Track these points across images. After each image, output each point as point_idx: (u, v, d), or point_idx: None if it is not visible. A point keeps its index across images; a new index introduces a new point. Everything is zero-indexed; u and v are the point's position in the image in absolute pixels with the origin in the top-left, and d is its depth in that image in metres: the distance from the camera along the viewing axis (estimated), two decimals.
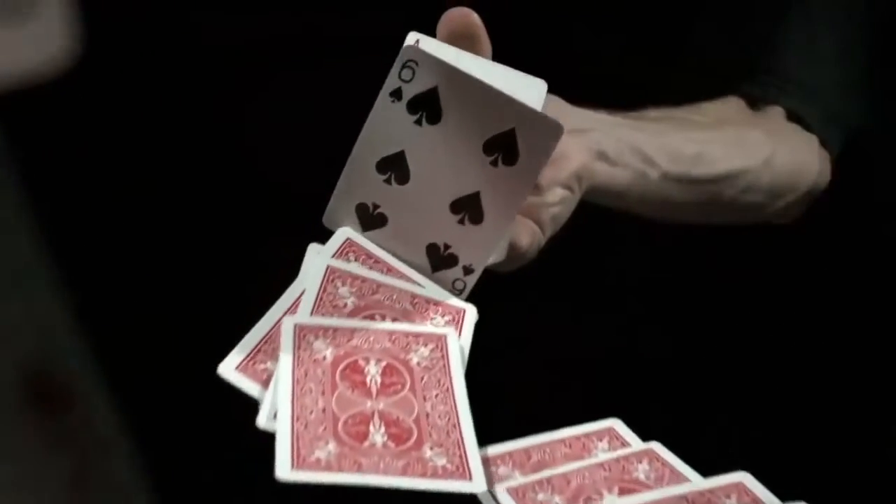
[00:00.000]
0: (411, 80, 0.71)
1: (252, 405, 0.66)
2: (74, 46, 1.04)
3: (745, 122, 0.97)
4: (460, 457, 0.65)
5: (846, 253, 1.04)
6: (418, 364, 0.69)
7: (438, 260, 0.75)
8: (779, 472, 0.71)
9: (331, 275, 0.72)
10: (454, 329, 0.72)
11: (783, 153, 0.95)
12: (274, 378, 0.66)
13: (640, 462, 0.68)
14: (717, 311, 1.13)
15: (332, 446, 0.63)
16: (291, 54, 1.21)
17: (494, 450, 0.69)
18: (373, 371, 0.68)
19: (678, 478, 0.67)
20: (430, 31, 0.76)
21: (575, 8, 1.19)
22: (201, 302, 1.22)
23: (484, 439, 0.69)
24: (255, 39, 1.22)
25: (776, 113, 0.98)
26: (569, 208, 0.82)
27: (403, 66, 0.71)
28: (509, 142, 0.71)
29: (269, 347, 0.68)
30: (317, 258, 0.74)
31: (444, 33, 0.76)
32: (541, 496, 0.65)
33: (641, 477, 0.68)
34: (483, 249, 0.74)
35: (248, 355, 0.68)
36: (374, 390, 0.67)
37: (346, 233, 0.75)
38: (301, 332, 0.68)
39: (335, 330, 0.69)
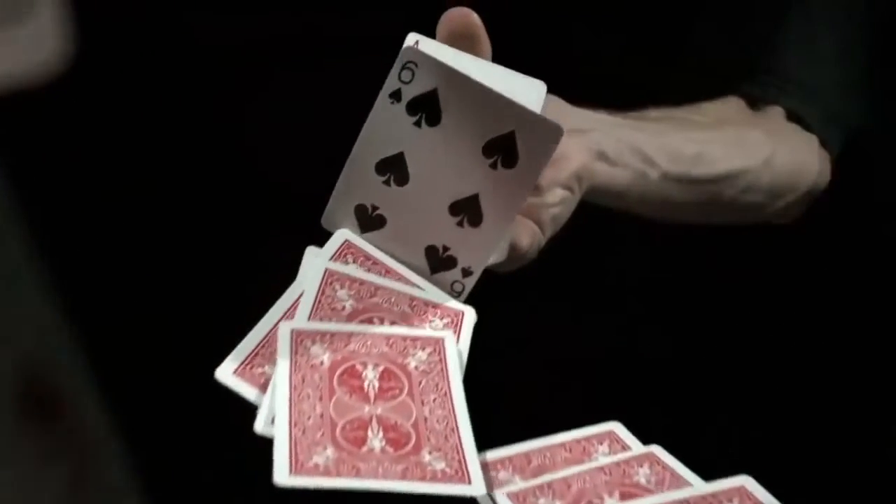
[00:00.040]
0: (411, 81, 0.70)
1: (250, 409, 0.65)
2: (69, 49, 1.03)
3: (745, 122, 0.97)
4: (459, 461, 0.64)
5: (846, 253, 1.04)
6: (416, 368, 0.68)
7: (437, 262, 0.74)
8: (779, 473, 0.71)
9: (329, 278, 0.72)
10: (452, 332, 0.72)
11: (783, 153, 0.95)
12: (271, 383, 0.66)
13: (641, 466, 0.68)
14: (717, 311, 1.12)
15: (330, 451, 0.62)
16: (291, 54, 1.21)
17: (494, 454, 0.68)
18: (370, 376, 0.67)
19: (679, 481, 0.67)
20: (430, 32, 0.75)
21: (575, 8, 1.18)
22: (200, 303, 1.22)
23: (484, 440, 0.68)
24: (255, 39, 1.22)
25: (776, 113, 0.98)
26: (569, 208, 0.81)
27: (403, 68, 0.70)
28: (509, 144, 0.71)
29: (266, 351, 0.68)
30: (315, 261, 0.73)
31: (444, 33, 0.75)
32: (542, 501, 0.65)
33: (642, 481, 0.67)
34: (482, 251, 0.74)
35: (245, 359, 0.67)
36: (371, 395, 0.66)
37: (344, 234, 0.75)
38: (298, 338, 0.68)
39: (332, 335, 0.68)
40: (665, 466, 0.68)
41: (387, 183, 0.73)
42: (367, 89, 0.72)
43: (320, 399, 0.65)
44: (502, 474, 0.67)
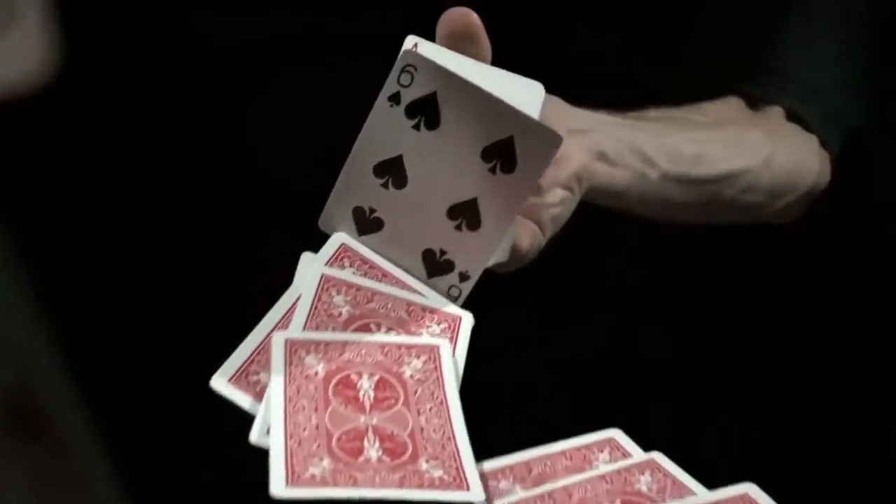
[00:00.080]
0: (410, 84, 0.70)
1: (246, 418, 0.65)
2: (56, 57, 1.03)
3: (744, 122, 0.96)
4: (457, 468, 0.63)
5: (846, 253, 1.04)
6: (411, 377, 0.67)
7: (434, 266, 0.74)
8: (779, 473, 0.71)
9: (325, 283, 0.71)
10: (449, 337, 0.71)
11: (783, 153, 0.95)
12: (266, 395, 0.65)
13: (643, 473, 0.67)
14: (717, 311, 1.12)
15: (326, 462, 0.62)
16: (291, 54, 1.21)
17: (495, 464, 0.67)
18: (366, 385, 0.66)
19: (681, 489, 0.66)
20: (430, 32, 0.75)
21: (575, 8, 1.18)
22: (198, 304, 1.21)
23: (484, 441, 0.67)
24: (255, 39, 1.22)
25: (776, 113, 0.98)
26: (569, 209, 0.81)
27: (402, 71, 0.70)
28: (508, 149, 0.70)
29: (261, 359, 0.67)
30: (311, 266, 0.72)
31: (444, 33, 0.75)
32: None
33: (644, 489, 0.66)
34: (480, 256, 0.73)
35: (240, 367, 0.66)
36: (367, 405, 0.65)
37: (340, 238, 0.74)
38: (292, 348, 0.67)
39: (326, 344, 0.67)
40: (666, 474, 0.67)
41: (385, 186, 0.72)
42: (366, 89, 0.72)
43: (315, 410, 0.64)
44: (503, 484, 0.66)
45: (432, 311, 0.72)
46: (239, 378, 0.66)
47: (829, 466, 1.05)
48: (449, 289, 0.74)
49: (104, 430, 1.11)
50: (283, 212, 1.04)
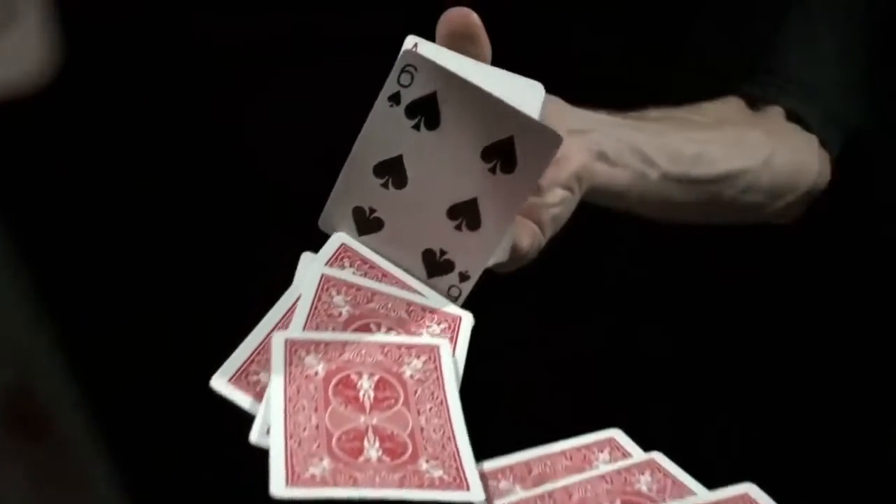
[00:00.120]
0: (410, 84, 0.70)
1: (246, 417, 0.64)
2: (56, 57, 1.02)
3: (744, 122, 0.96)
4: (457, 468, 0.63)
5: (846, 253, 1.03)
6: (411, 377, 0.67)
7: (434, 266, 0.73)
8: (779, 473, 0.70)
9: (325, 283, 0.71)
10: (448, 338, 0.71)
11: (783, 153, 0.94)
12: (266, 395, 0.65)
13: (643, 473, 0.67)
14: (717, 311, 1.12)
15: (326, 462, 0.61)
16: (291, 54, 1.21)
17: (495, 464, 0.67)
18: (366, 385, 0.66)
19: (681, 489, 0.66)
20: (430, 32, 0.75)
21: (575, 8, 1.18)
22: (198, 304, 1.21)
23: (484, 441, 0.67)
24: (255, 39, 1.21)
25: (776, 113, 0.97)
26: (569, 209, 0.81)
27: (402, 71, 0.69)
28: (508, 149, 0.70)
29: (261, 358, 0.67)
30: (311, 266, 0.72)
31: (444, 33, 0.74)
32: None
33: (644, 489, 0.66)
34: (480, 256, 0.73)
35: (240, 367, 0.66)
36: (367, 405, 0.65)
37: (340, 238, 0.74)
38: (292, 348, 0.66)
39: (326, 344, 0.67)
40: (666, 474, 0.67)
41: (385, 186, 0.72)
42: (366, 89, 0.71)
43: (315, 410, 0.64)
44: (503, 484, 0.66)
45: (432, 311, 0.72)
46: (239, 378, 0.66)
47: (829, 466, 1.05)
48: (449, 289, 0.73)
49: (104, 430, 1.11)
50: (283, 212, 1.04)
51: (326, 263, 0.72)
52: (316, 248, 0.74)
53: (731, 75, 1.00)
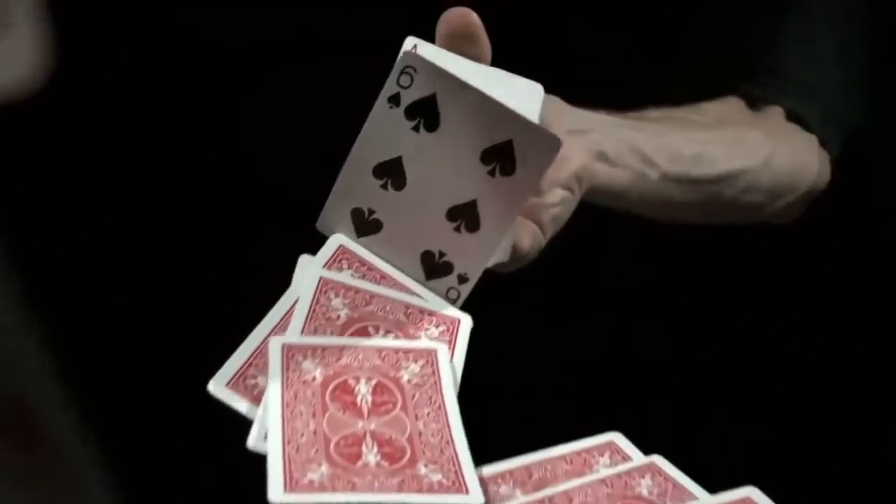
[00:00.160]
0: (410, 86, 0.69)
1: (243, 421, 0.64)
2: (49, 61, 1.02)
3: (744, 122, 0.96)
4: (456, 472, 0.63)
5: (846, 253, 1.03)
6: (409, 381, 0.67)
7: (433, 267, 0.73)
8: (779, 473, 0.70)
9: (324, 286, 0.70)
10: (447, 341, 0.70)
11: (783, 153, 0.94)
12: (263, 400, 0.64)
13: (643, 477, 0.66)
14: (717, 311, 1.11)
15: (324, 468, 0.61)
16: (291, 54, 1.20)
17: (495, 468, 0.67)
18: (363, 390, 0.65)
19: (681, 492, 0.65)
20: (430, 32, 0.74)
21: (575, 8, 1.17)
22: (197, 304, 1.21)
23: (483, 441, 0.67)
24: (255, 39, 1.21)
25: (776, 113, 0.97)
26: (569, 209, 0.80)
27: (402, 72, 0.69)
28: (507, 152, 0.69)
29: (259, 362, 0.66)
30: (309, 268, 0.72)
31: (444, 33, 0.74)
32: None
33: (644, 492, 0.66)
34: (479, 258, 0.73)
35: (238, 371, 0.66)
36: (365, 410, 0.65)
37: (338, 240, 0.73)
38: (289, 353, 0.66)
39: (324, 349, 0.67)
40: (667, 477, 0.66)
41: (384, 187, 0.72)
42: (366, 90, 0.71)
43: (313, 415, 0.63)
44: (503, 489, 0.65)
45: (431, 313, 0.72)
46: (237, 382, 0.65)
47: (830, 467, 1.04)
48: (447, 291, 0.73)
49: (99, 434, 1.10)
50: (283, 212, 1.04)
51: (325, 265, 0.72)
52: (315, 249, 0.73)
53: (731, 75, 1.00)
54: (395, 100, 0.70)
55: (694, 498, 0.65)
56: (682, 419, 1.10)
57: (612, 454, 0.68)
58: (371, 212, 0.73)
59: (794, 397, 1.08)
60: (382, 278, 0.73)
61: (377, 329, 0.70)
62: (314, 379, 0.65)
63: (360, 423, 0.64)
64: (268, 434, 0.62)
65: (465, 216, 0.71)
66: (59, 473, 1.03)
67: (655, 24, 1.17)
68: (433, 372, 0.67)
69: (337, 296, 0.70)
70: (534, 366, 1.16)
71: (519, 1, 1.17)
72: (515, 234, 0.75)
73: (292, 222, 0.78)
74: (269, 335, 0.68)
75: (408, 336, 0.70)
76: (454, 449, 0.64)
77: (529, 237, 0.77)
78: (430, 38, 0.75)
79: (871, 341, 1.04)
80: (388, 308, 0.71)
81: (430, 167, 0.71)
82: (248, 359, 0.66)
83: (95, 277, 1.21)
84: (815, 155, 0.96)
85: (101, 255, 1.21)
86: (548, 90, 0.75)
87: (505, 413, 1.04)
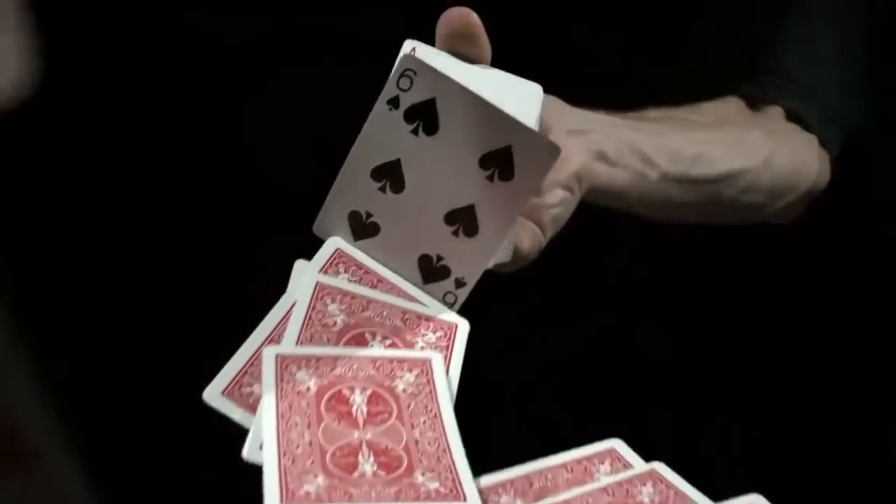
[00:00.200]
0: (409, 89, 0.69)
1: (240, 429, 0.63)
2: (36, 69, 1.01)
3: (744, 122, 0.96)
4: (453, 480, 0.62)
5: (846, 253, 1.03)
6: (404, 391, 0.66)
7: (430, 271, 0.72)
8: (779, 473, 0.70)
9: (320, 292, 0.70)
10: (444, 346, 0.70)
11: (783, 153, 0.94)
12: (258, 411, 0.63)
13: (644, 485, 0.65)
14: (718, 311, 1.11)
15: (321, 479, 0.60)
16: (291, 54, 1.20)
17: (496, 478, 0.65)
18: (358, 400, 0.65)
19: (683, 499, 0.65)
20: (430, 32, 0.74)
21: (575, 8, 1.17)
22: (197, 304, 1.21)
23: (484, 442, 0.66)
24: (256, 39, 1.21)
25: (776, 113, 0.97)
26: (569, 209, 0.80)
27: (402, 75, 0.68)
28: (506, 158, 0.69)
29: (255, 370, 0.65)
30: (305, 273, 0.71)
31: (444, 33, 0.74)
32: None
33: (646, 500, 0.65)
34: (476, 262, 0.72)
35: (233, 378, 0.65)
36: (360, 420, 0.64)
37: (335, 243, 0.73)
38: (283, 363, 0.65)
39: (318, 359, 0.66)
40: (669, 485, 0.65)
41: (382, 190, 0.71)
42: (366, 90, 0.71)
43: (308, 426, 0.62)
44: (504, 499, 0.64)
45: (428, 318, 0.71)
46: (232, 390, 0.64)
47: (830, 468, 1.04)
48: (445, 295, 0.73)
49: (92, 443, 1.10)
50: (283, 212, 1.03)
51: (321, 269, 0.71)
52: (315, 249, 0.73)
53: (731, 75, 1.00)
54: (394, 102, 0.69)
55: None
56: (683, 419, 1.10)
57: (612, 462, 0.67)
58: (369, 215, 0.72)
59: (794, 397, 1.08)
60: (379, 282, 0.72)
61: (374, 335, 0.69)
62: (309, 389, 0.64)
63: (356, 433, 0.63)
64: (263, 445, 0.61)
65: (463, 220, 0.71)
66: (50, 482, 1.02)
67: (655, 24, 1.17)
68: (428, 381, 0.67)
69: (333, 301, 0.69)
70: (534, 366, 1.15)
71: (519, 1, 1.17)
72: (516, 234, 0.75)
73: (291, 223, 0.77)
74: (264, 342, 0.67)
75: (405, 342, 0.69)
76: (451, 457, 0.63)
77: (530, 237, 0.76)
78: (429, 38, 0.74)
79: (871, 341, 1.03)
80: (384, 314, 0.70)
81: (429, 171, 0.70)
82: (244, 367, 0.65)
83: (95, 279, 1.20)
84: (815, 155, 0.96)
85: (99, 256, 1.20)
86: (548, 90, 0.75)
87: (505, 413, 1.04)
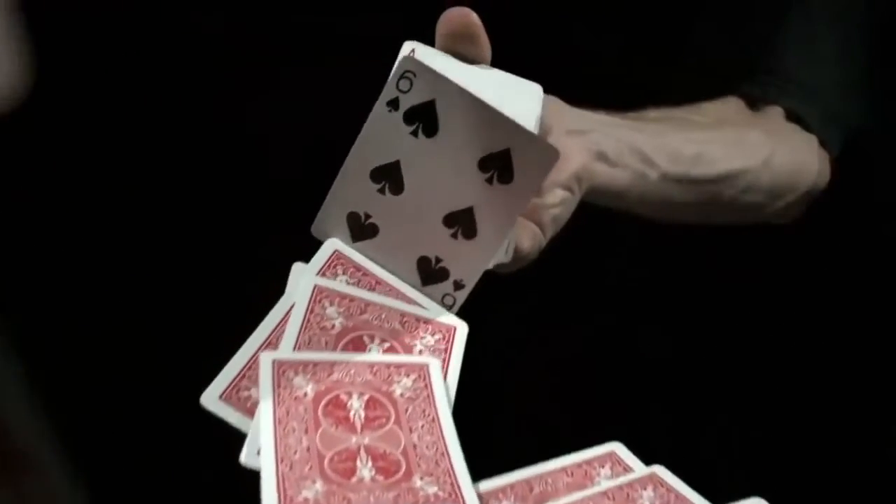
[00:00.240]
0: (409, 90, 0.68)
1: (237, 434, 0.62)
2: (28, 74, 1.01)
3: (744, 122, 0.96)
4: (452, 484, 0.61)
5: (846, 253, 1.02)
6: (402, 395, 0.65)
7: (429, 273, 0.72)
8: (779, 473, 0.69)
9: (318, 294, 0.69)
10: (442, 350, 0.69)
11: (783, 153, 0.94)
12: (255, 417, 0.63)
13: (645, 489, 0.65)
14: (717, 311, 1.11)
15: (319, 485, 0.59)
16: (291, 54, 1.20)
17: (496, 483, 0.65)
18: (356, 405, 0.64)
19: (684, 503, 0.64)
20: (430, 32, 0.74)
21: (575, 8, 1.17)
22: (197, 304, 1.20)
23: (483, 443, 0.66)
24: (256, 39, 1.20)
25: (776, 113, 0.97)
26: (569, 209, 0.79)
27: (401, 77, 0.68)
28: (505, 161, 0.68)
29: (253, 373, 0.65)
30: (303, 276, 0.70)
31: (444, 33, 0.74)
32: None
33: None
34: (475, 265, 0.72)
35: (231, 382, 0.64)
36: (358, 425, 0.63)
37: (333, 245, 0.72)
38: (280, 369, 0.64)
39: (315, 364, 0.65)
40: (669, 488, 0.65)
41: (381, 191, 0.71)
42: (367, 90, 0.70)
43: (306, 432, 0.62)
44: None
45: (427, 321, 0.71)
46: (230, 394, 0.64)
47: (831, 468, 1.04)
48: (443, 297, 0.72)
49: (88, 448, 1.09)
50: (282, 213, 1.03)
51: (319, 271, 0.71)
52: (313, 250, 0.72)
53: (731, 75, 0.99)
54: (393, 104, 0.68)
55: None
56: (683, 419, 1.10)
57: (613, 465, 0.67)
58: (367, 216, 0.71)
59: (794, 398, 1.07)
60: (377, 284, 0.71)
61: (372, 338, 0.68)
62: (306, 395, 0.64)
63: (354, 438, 0.62)
64: (260, 451, 0.61)
65: (462, 223, 0.70)
66: (41, 492, 1.01)
67: (655, 24, 1.16)
68: (426, 385, 0.66)
69: (332, 304, 0.69)
70: (534, 366, 1.15)
71: (519, 1, 1.16)
72: (516, 234, 0.74)
73: (290, 223, 0.77)
74: (262, 346, 0.66)
75: (403, 345, 0.69)
76: (449, 461, 0.62)
77: (530, 238, 0.76)
78: (429, 38, 0.74)
79: (871, 341, 1.03)
80: (383, 316, 0.70)
81: (428, 173, 0.69)
82: (241, 371, 0.65)
83: (93, 280, 1.20)
84: (814, 155, 0.96)
85: (98, 257, 1.20)
86: (548, 90, 0.75)
87: (504, 414, 1.04)
